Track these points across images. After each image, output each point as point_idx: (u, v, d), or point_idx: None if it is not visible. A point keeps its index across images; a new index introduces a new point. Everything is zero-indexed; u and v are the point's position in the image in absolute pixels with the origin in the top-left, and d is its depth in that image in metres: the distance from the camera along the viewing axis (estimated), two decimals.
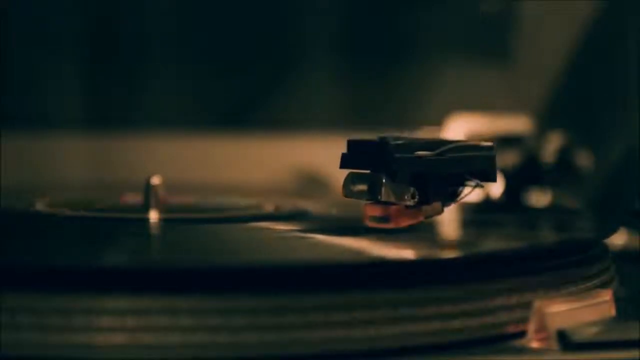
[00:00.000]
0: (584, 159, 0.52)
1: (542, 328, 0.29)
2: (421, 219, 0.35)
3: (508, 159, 0.52)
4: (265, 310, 0.27)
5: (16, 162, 0.59)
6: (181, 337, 0.26)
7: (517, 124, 0.56)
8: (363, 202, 0.35)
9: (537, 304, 0.29)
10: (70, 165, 0.62)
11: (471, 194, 0.36)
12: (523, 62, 0.66)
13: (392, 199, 0.34)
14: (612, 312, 0.31)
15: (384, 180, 0.33)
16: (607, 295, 0.31)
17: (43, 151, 0.62)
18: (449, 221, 0.39)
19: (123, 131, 0.63)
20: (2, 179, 0.54)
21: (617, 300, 0.32)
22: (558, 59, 0.61)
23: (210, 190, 0.53)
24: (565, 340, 0.28)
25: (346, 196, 0.35)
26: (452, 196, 0.35)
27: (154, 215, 0.40)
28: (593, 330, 0.29)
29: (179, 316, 0.26)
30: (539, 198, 0.51)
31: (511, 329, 0.29)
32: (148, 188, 0.41)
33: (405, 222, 0.34)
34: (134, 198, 0.44)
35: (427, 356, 0.28)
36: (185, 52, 0.66)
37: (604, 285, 0.33)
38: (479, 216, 0.44)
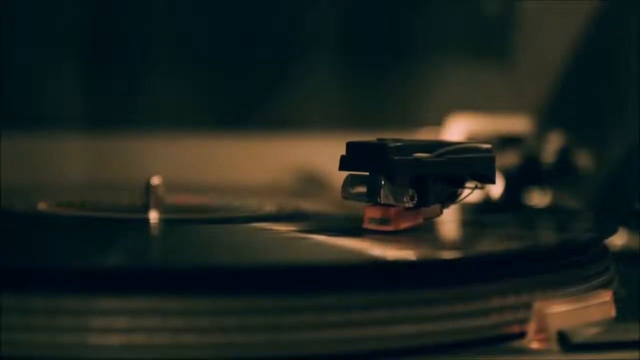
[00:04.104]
0: (584, 159, 0.52)
1: (542, 329, 0.29)
2: (420, 220, 0.35)
3: (508, 159, 0.52)
4: (263, 310, 0.27)
5: (16, 162, 0.59)
6: (190, 338, 0.26)
7: (517, 124, 0.56)
8: (362, 203, 0.35)
9: (537, 304, 0.29)
10: (70, 165, 0.62)
11: (471, 195, 0.36)
12: (523, 62, 0.66)
13: (391, 201, 0.34)
14: (612, 312, 0.31)
15: (383, 183, 0.33)
16: (607, 295, 0.31)
17: (43, 151, 0.62)
18: (449, 221, 0.39)
19: (123, 131, 0.63)
20: (2, 179, 0.54)
21: (617, 300, 0.32)
22: (558, 59, 0.61)
23: (210, 190, 0.53)
24: (565, 341, 0.28)
25: (345, 198, 0.35)
26: (451, 198, 0.35)
27: (153, 216, 0.40)
28: (593, 331, 0.29)
29: (186, 316, 0.26)
30: (539, 198, 0.51)
31: (511, 330, 0.29)
32: (148, 188, 0.40)
33: (404, 224, 0.34)
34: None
35: (427, 357, 0.28)
36: (185, 52, 0.66)
37: (604, 286, 0.33)
38: (478, 216, 0.44)
